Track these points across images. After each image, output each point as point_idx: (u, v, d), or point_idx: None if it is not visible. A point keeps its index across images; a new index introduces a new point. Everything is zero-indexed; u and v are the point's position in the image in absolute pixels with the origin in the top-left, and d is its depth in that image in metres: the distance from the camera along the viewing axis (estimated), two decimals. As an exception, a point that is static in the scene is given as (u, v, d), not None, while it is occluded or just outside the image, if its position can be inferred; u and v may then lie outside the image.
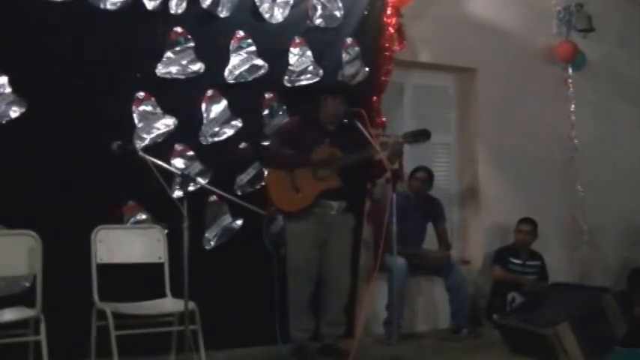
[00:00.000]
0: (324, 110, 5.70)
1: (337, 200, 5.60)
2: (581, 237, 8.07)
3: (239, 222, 5.92)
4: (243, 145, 5.97)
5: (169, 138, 5.68)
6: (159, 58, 5.65)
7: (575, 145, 8.03)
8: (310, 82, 6.20)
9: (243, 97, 5.95)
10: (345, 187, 5.57)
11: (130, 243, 5.31)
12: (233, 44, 5.94)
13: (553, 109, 8.02)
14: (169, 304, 5.10)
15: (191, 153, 5.77)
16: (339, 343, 5.74)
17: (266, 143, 5.99)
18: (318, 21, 6.28)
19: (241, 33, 5.96)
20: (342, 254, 5.73)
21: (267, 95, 6.08)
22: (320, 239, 5.60)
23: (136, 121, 5.58)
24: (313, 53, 6.24)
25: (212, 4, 5.81)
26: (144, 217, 5.60)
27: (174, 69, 5.70)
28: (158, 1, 5.62)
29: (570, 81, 8.06)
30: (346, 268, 5.77)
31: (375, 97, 6.52)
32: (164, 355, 5.24)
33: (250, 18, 6.02)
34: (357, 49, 6.44)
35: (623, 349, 5.72)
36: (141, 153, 4.87)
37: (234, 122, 5.91)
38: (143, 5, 5.57)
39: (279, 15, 6.10)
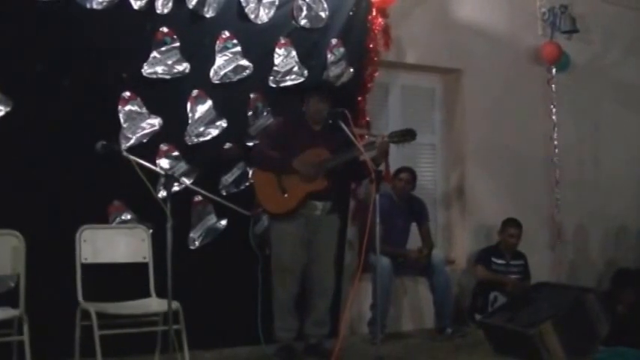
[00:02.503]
0: (308, 110, 5.72)
1: (322, 201, 5.62)
2: (561, 237, 8.11)
3: (224, 222, 5.92)
4: (228, 145, 5.98)
5: (155, 138, 5.68)
6: (145, 57, 5.65)
7: (556, 145, 8.07)
8: (295, 82, 6.21)
9: (228, 98, 5.96)
10: (330, 187, 5.59)
11: (114, 243, 5.29)
12: (218, 44, 5.95)
13: (538, 109, 8.08)
14: (154, 303, 5.09)
15: (176, 153, 5.77)
16: (323, 343, 5.76)
17: (251, 143, 6.00)
18: (303, 21, 6.29)
19: (227, 33, 5.97)
20: (327, 255, 5.75)
21: (252, 95, 6.09)
22: (305, 239, 5.62)
23: (122, 120, 5.57)
24: (298, 54, 6.25)
25: (198, 4, 5.81)
26: (129, 217, 5.59)
27: (160, 69, 5.70)
28: (144, 1, 5.61)
29: (554, 82, 8.10)
30: (331, 268, 5.79)
31: (360, 98, 6.54)
32: (148, 355, 5.22)
33: (236, 18, 6.03)
34: (342, 49, 6.45)
35: (606, 348, 5.75)
36: (125, 153, 4.88)
37: (219, 122, 5.91)
38: (129, 5, 5.56)
39: (264, 15, 6.11)
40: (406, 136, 5.65)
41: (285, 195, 5.55)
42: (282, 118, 5.98)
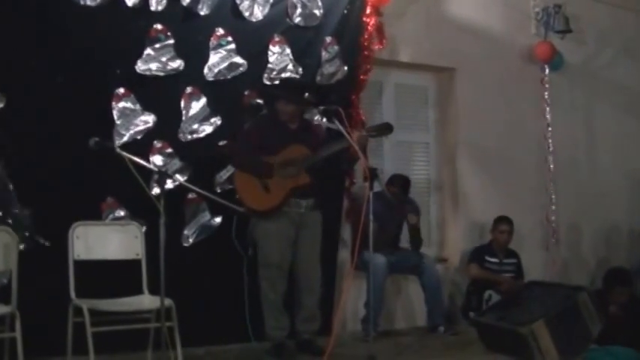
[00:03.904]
0: (279, 111, 5.73)
1: (305, 198, 5.63)
2: (554, 236, 8.13)
3: (218, 219, 5.92)
4: (222, 142, 5.97)
5: (148, 135, 5.67)
6: (139, 54, 5.64)
7: (549, 144, 8.08)
8: (288, 80, 6.22)
9: (222, 95, 5.96)
10: (313, 184, 5.60)
11: (107, 239, 5.27)
12: (213, 42, 5.94)
13: (531, 109, 8.09)
14: (146, 300, 5.09)
15: (170, 150, 5.76)
16: (316, 340, 5.77)
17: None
18: (297, 19, 6.29)
19: (221, 31, 5.96)
20: (313, 251, 5.75)
21: (246, 93, 6.09)
22: (290, 237, 5.63)
23: (116, 117, 5.56)
24: (293, 51, 6.25)
25: (192, 1, 5.80)
26: (122, 213, 5.59)
27: (154, 66, 5.69)
28: (138, -2, 5.62)
29: (547, 81, 8.11)
30: (316, 265, 5.79)
31: (354, 96, 6.55)
32: (141, 351, 5.21)
33: (230, 16, 6.02)
34: (336, 47, 6.46)
35: (598, 347, 5.77)
36: (118, 150, 4.87)
37: (213, 119, 5.91)
38: (123, 2, 5.55)
39: (258, 13, 6.10)
40: (383, 130, 5.72)
41: (269, 193, 5.56)
42: (259, 118, 6.00)
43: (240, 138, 5.86)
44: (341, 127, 5.36)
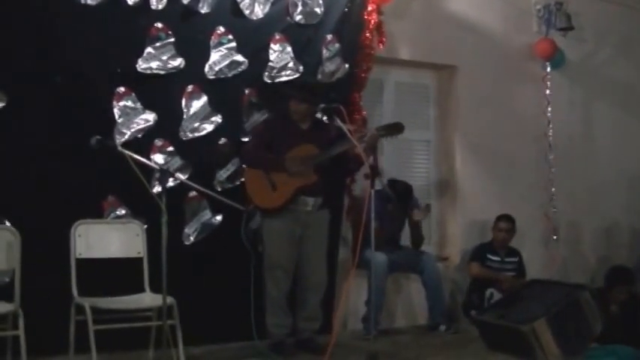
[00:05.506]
0: (291, 110, 5.73)
1: (313, 196, 5.63)
2: (555, 234, 8.13)
3: (219, 218, 5.92)
4: (222, 140, 5.97)
5: (149, 133, 5.67)
6: (139, 53, 5.64)
7: (550, 142, 8.08)
8: (290, 78, 6.20)
9: (223, 93, 5.96)
10: (321, 183, 5.60)
11: (108, 238, 5.28)
12: (213, 40, 5.94)
13: (532, 106, 8.08)
14: (148, 299, 5.10)
15: (171, 148, 5.76)
16: (316, 338, 5.77)
17: (246, 139, 6.00)
18: (298, 17, 6.28)
19: (222, 29, 5.96)
20: (318, 250, 5.77)
21: (247, 91, 6.09)
22: (296, 235, 5.64)
23: (117, 116, 5.56)
24: (293, 49, 6.24)
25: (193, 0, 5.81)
26: (123, 212, 5.59)
27: (154, 64, 5.69)
28: (139, -3, 5.61)
29: (549, 78, 8.11)
30: (322, 263, 5.81)
31: (355, 94, 6.54)
32: (142, 350, 5.22)
33: (231, 14, 6.02)
34: (337, 45, 6.46)
35: (599, 345, 5.78)
36: (120, 148, 4.87)
37: (213, 118, 5.91)
38: (124, 0, 5.55)
39: (259, 11, 6.10)
40: (393, 129, 5.68)
41: (275, 190, 5.57)
42: (271, 116, 6.01)
43: (252, 135, 5.88)
44: (342, 125, 5.36)
